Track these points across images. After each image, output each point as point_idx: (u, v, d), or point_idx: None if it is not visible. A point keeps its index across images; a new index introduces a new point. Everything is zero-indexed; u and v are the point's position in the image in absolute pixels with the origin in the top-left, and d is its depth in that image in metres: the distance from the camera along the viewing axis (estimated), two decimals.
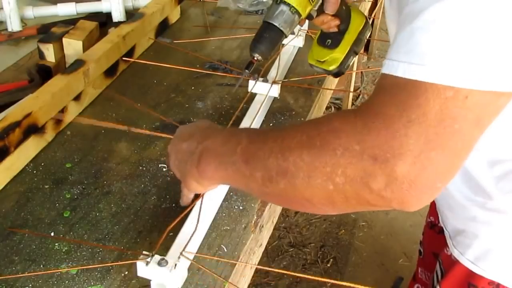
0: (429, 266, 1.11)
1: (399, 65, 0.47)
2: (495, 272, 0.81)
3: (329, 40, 0.87)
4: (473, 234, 0.82)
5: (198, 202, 0.74)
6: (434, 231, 1.06)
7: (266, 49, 0.76)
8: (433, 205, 1.05)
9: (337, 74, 0.89)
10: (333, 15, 0.81)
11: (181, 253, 0.66)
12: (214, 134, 0.66)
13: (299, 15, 0.75)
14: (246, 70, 0.78)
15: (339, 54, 0.86)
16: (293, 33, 1.19)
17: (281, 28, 0.75)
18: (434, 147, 0.46)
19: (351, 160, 0.48)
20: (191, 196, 0.74)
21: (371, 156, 0.47)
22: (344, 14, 0.83)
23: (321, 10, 0.80)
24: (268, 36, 0.76)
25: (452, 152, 0.47)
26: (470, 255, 0.83)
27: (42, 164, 0.88)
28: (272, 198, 0.61)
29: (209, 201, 0.76)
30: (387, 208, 0.50)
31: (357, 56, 0.93)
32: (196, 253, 0.73)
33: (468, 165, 0.75)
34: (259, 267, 0.81)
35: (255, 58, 0.77)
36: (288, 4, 0.74)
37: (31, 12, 1.28)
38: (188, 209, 0.74)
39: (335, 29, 0.85)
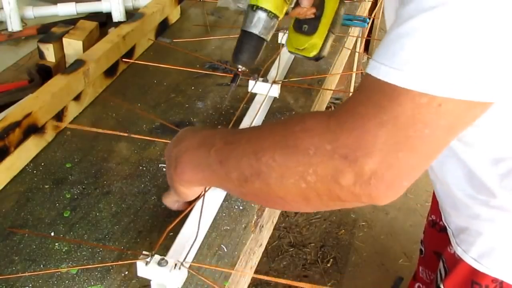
0: (431, 265, 1.11)
1: (380, 67, 0.48)
2: (499, 269, 0.81)
3: (306, 26, 0.85)
4: (477, 232, 0.82)
5: (198, 203, 0.74)
6: (435, 230, 1.06)
7: (250, 59, 0.76)
8: (434, 203, 1.05)
9: (317, 59, 0.88)
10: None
11: (181, 263, 0.65)
12: (188, 136, 0.67)
13: (277, 17, 0.74)
14: (233, 84, 0.79)
15: (317, 39, 0.85)
16: None
17: (262, 36, 0.75)
18: (403, 148, 0.47)
19: (322, 159, 0.50)
20: (176, 203, 0.74)
21: (341, 155, 0.49)
22: (318, 0, 0.82)
23: (296, 4, 0.80)
24: (250, 46, 0.75)
25: (420, 154, 0.49)
26: (473, 253, 0.83)
27: (42, 164, 0.88)
28: (250, 197, 0.62)
29: (209, 201, 0.76)
30: (358, 204, 0.52)
31: (356, 56, 0.94)
32: (196, 253, 0.73)
33: (471, 163, 0.75)
34: (256, 276, 0.80)
35: (240, 70, 0.78)
36: (266, 10, 0.73)
37: (31, 12, 1.28)
38: (189, 209, 0.74)
39: (312, 16, 0.84)
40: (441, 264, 0.95)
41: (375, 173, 0.48)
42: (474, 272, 0.84)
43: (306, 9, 0.81)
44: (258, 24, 0.74)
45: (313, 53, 0.85)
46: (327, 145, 0.50)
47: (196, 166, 0.64)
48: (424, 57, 0.45)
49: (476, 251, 0.83)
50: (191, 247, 0.68)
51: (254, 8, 0.73)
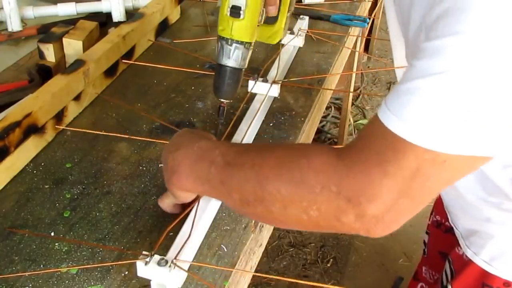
0: (435, 265, 1.11)
1: (391, 116, 0.50)
2: (511, 272, 0.81)
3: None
4: (488, 234, 0.82)
5: (197, 204, 0.74)
6: (440, 230, 1.05)
7: (232, 91, 0.77)
8: (438, 204, 1.05)
9: (280, 41, 0.88)
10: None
11: (172, 261, 0.65)
12: (185, 144, 0.67)
13: (252, 43, 0.74)
14: (221, 117, 0.80)
15: (279, 26, 0.85)
16: (292, 33, 1.19)
17: (241, 67, 0.75)
18: (404, 196, 0.51)
19: (327, 199, 0.53)
20: (173, 206, 0.74)
21: (346, 197, 0.52)
22: None
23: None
24: (231, 81, 0.76)
25: (419, 201, 0.53)
26: (484, 255, 0.83)
27: (42, 164, 0.88)
28: (249, 216, 0.65)
29: (209, 202, 0.76)
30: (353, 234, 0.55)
31: (356, 56, 0.94)
32: (196, 253, 0.73)
33: (483, 167, 0.75)
34: (257, 274, 0.80)
35: (224, 103, 0.78)
36: (242, 42, 0.73)
37: (31, 12, 1.28)
38: (189, 209, 0.74)
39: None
40: (447, 264, 0.95)
41: (376, 216, 0.52)
42: (485, 274, 0.84)
43: (274, 11, 0.81)
44: (237, 58, 0.74)
45: (277, 39, 0.85)
46: (333, 186, 0.52)
47: (196, 179, 0.65)
48: (431, 116, 0.48)
49: (487, 253, 0.83)
50: (182, 246, 0.68)
51: (229, 42, 0.73)
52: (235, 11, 0.71)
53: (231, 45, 0.73)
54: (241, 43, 0.73)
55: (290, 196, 0.55)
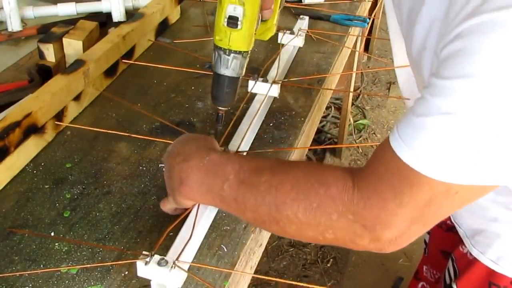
0: (437, 264, 1.11)
1: (404, 148, 0.52)
2: None
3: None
4: (495, 234, 0.82)
5: (196, 205, 0.74)
6: (442, 229, 1.06)
7: (231, 99, 0.77)
8: None
9: (271, 36, 0.87)
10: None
11: (174, 262, 0.65)
12: (193, 155, 0.67)
13: (249, 51, 0.73)
14: (219, 124, 0.79)
15: (271, 22, 0.84)
16: (292, 33, 1.19)
17: (239, 75, 0.75)
18: (417, 222, 0.55)
19: (343, 225, 0.56)
20: (175, 210, 0.75)
21: (362, 224, 0.55)
22: None
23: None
24: (230, 90, 0.75)
25: (431, 224, 0.56)
26: (491, 254, 0.83)
27: (42, 164, 0.88)
28: (263, 229, 0.67)
29: None
30: None
31: (356, 56, 0.94)
32: (196, 253, 0.73)
33: None
34: (256, 276, 0.80)
35: (222, 110, 0.78)
36: (240, 52, 0.72)
37: (31, 12, 1.28)
38: (189, 209, 0.74)
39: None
40: (450, 263, 0.95)
41: (390, 240, 0.56)
42: (491, 273, 0.84)
43: (270, 14, 0.81)
44: (235, 67, 0.73)
45: (269, 36, 0.85)
46: (350, 215, 0.55)
47: (206, 193, 0.65)
48: (445, 151, 0.50)
49: (494, 253, 0.83)
50: (184, 247, 0.68)
51: (227, 52, 0.72)
52: (233, 22, 0.69)
53: (229, 55, 0.72)
54: (239, 52, 0.72)
55: (307, 220, 0.57)
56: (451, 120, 0.49)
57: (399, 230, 0.55)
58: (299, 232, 0.59)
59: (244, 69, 0.75)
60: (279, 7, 0.85)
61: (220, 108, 0.78)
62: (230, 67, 0.73)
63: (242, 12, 0.68)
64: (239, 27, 0.69)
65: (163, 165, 0.87)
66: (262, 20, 0.81)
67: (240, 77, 0.75)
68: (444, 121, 0.50)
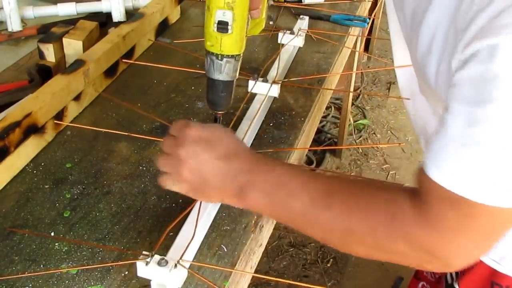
0: None
1: (457, 181, 0.54)
2: None
3: None
4: None
5: (197, 204, 0.74)
6: None
7: (227, 102, 0.77)
8: None
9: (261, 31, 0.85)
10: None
11: (177, 262, 0.65)
12: (260, 167, 0.66)
13: (241, 54, 0.73)
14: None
15: (261, 17, 0.83)
16: (292, 33, 1.19)
17: (233, 79, 0.74)
18: (479, 247, 0.59)
19: (411, 254, 0.60)
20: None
21: (429, 254, 0.58)
22: None
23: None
24: (225, 93, 0.75)
25: (491, 247, 0.59)
26: (494, 255, 0.83)
27: (42, 164, 0.88)
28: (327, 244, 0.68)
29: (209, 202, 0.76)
30: None
31: (356, 56, 0.93)
32: (196, 253, 0.73)
33: None
34: (256, 275, 0.80)
35: (219, 113, 0.78)
36: (232, 56, 0.71)
37: (31, 12, 1.28)
38: (188, 209, 0.74)
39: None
40: None
41: (456, 265, 0.60)
42: (494, 273, 0.84)
43: (258, 14, 0.80)
44: (228, 71, 0.73)
45: (259, 30, 0.84)
46: (417, 247, 0.58)
47: (268, 204, 0.65)
48: (495, 178, 0.52)
49: (497, 253, 0.83)
50: (187, 246, 0.68)
51: (220, 57, 0.71)
52: (223, 27, 0.68)
53: (221, 59, 0.71)
54: (232, 56, 0.71)
55: (375, 245, 0.61)
56: (491, 148, 0.51)
57: (465, 256, 0.59)
58: (366, 252, 0.63)
59: (238, 72, 0.75)
60: (267, 2, 0.85)
61: (217, 111, 0.78)
62: (223, 72, 0.72)
63: (231, 17, 0.68)
64: (229, 31, 0.69)
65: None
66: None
67: (234, 80, 0.75)
68: (485, 150, 0.51)
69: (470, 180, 0.53)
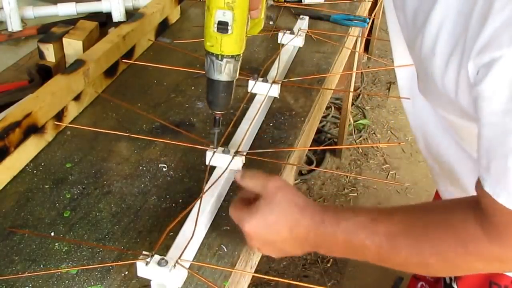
0: None
1: None
2: None
3: None
4: None
5: (197, 204, 0.74)
6: None
7: (227, 103, 0.76)
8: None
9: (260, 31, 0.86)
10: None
11: (176, 261, 0.65)
12: (323, 238, 0.66)
13: (241, 54, 0.73)
14: (216, 128, 0.79)
15: (259, 17, 0.82)
16: (292, 33, 1.19)
17: (233, 79, 0.74)
18: None
19: (492, 268, 0.62)
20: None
21: (508, 264, 0.61)
22: None
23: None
24: (226, 93, 0.75)
25: None
26: None
27: (42, 164, 0.88)
28: None
29: (209, 202, 0.76)
30: None
31: (356, 56, 0.93)
32: (196, 253, 0.73)
33: None
34: (256, 275, 0.80)
35: (219, 114, 0.78)
36: (233, 56, 0.71)
37: (31, 12, 1.28)
38: (188, 209, 0.74)
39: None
40: None
41: None
42: (492, 273, 0.84)
43: (258, 14, 0.80)
44: (228, 71, 0.72)
45: (258, 30, 0.84)
46: (492, 265, 0.61)
47: (345, 255, 0.68)
48: None
49: None
50: (186, 245, 0.68)
51: (220, 57, 0.71)
52: (223, 27, 0.68)
53: (221, 60, 0.71)
54: (232, 56, 0.71)
55: (453, 270, 0.65)
56: None
57: None
58: (452, 274, 0.70)
59: (238, 72, 0.75)
60: (266, 2, 0.85)
61: (216, 112, 0.78)
62: (223, 72, 0.72)
63: (231, 17, 0.68)
64: (229, 32, 0.68)
65: (163, 165, 0.88)
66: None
67: (234, 80, 0.75)
68: None
69: None
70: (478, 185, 0.58)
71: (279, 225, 0.67)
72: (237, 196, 0.74)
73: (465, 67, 0.56)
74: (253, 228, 0.67)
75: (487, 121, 0.54)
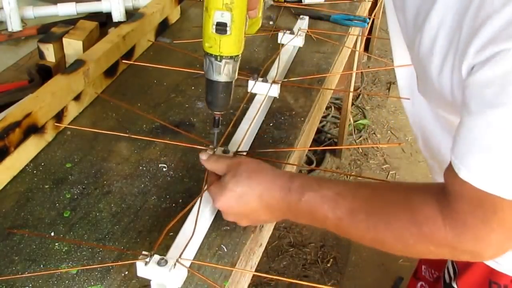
0: (434, 263, 1.11)
1: (479, 178, 0.55)
2: None
3: None
4: None
5: (197, 203, 0.74)
6: None
7: (227, 103, 0.77)
8: None
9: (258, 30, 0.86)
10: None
11: (177, 260, 0.65)
12: (290, 205, 0.69)
13: (240, 54, 0.73)
14: (216, 128, 0.79)
15: (257, 17, 0.82)
16: (292, 33, 1.19)
17: (232, 80, 0.74)
18: (508, 240, 0.59)
19: (443, 253, 0.64)
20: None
21: (461, 252, 0.62)
22: None
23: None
24: (225, 94, 0.75)
25: None
26: None
27: (42, 164, 0.88)
28: None
29: (209, 202, 0.76)
30: None
31: (356, 56, 0.93)
32: (196, 253, 0.73)
33: None
34: (257, 273, 0.81)
35: (218, 114, 0.78)
36: (232, 57, 0.71)
37: (31, 12, 1.28)
38: (188, 208, 0.74)
39: None
40: (449, 262, 0.95)
41: (490, 255, 0.62)
42: (492, 272, 0.84)
43: (256, 14, 0.80)
44: (228, 72, 0.73)
45: (256, 29, 0.83)
46: (447, 248, 0.61)
47: (308, 223, 0.71)
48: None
49: None
50: (186, 244, 0.68)
51: (219, 58, 0.71)
52: (221, 28, 0.68)
53: (220, 61, 0.71)
54: (231, 57, 0.71)
55: (408, 251, 0.65)
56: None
57: (496, 248, 0.60)
58: (404, 253, 0.66)
59: (237, 72, 0.75)
60: (263, 1, 0.84)
61: (216, 112, 0.78)
62: (223, 73, 0.72)
63: (230, 18, 0.67)
64: (228, 32, 0.68)
65: (163, 165, 0.88)
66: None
67: (233, 81, 0.75)
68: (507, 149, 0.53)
69: (496, 177, 0.55)
70: (448, 171, 0.59)
71: (248, 196, 0.70)
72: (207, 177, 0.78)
73: (458, 65, 0.57)
74: (224, 203, 0.71)
75: (474, 111, 0.55)
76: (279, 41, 1.18)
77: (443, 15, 0.60)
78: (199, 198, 0.75)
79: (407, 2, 0.69)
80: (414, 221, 0.61)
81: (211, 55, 0.71)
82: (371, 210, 0.65)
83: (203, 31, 0.70)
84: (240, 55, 0.73)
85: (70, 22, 1.20)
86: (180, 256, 0.66)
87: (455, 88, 0.61)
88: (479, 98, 0.54)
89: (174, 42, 1.23)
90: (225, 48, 0.70)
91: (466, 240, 0.59)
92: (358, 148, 2.63)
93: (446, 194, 0.60)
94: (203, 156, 0.77)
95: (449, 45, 0.59)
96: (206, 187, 0.77)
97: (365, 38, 2.64)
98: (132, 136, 0.92)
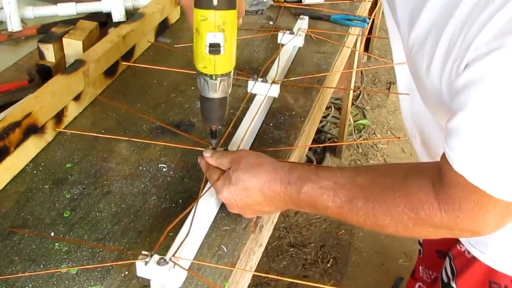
0: (432, 264, 1.11)
1: (474, 173, 0.57)
2: None
3: None
4: (494, 233, 0.82)
5: (195, 205, 0.74)
6: None
7: (223, 116, 0.77)
8: None
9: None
10: None
11: (170, 258, 0.65)
12: (292, 198, 0.71)
13: (232, 69, 0.73)
14: (214, 140, 0.79)
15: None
16: (292, 33, 1.19)
17: (227, 94, 0.74)
18: (506, 217, 0.61)
19: (442, 234, 0.65)
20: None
21: (459, 232, 0.64)
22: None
23: None
24: (221, 108, 0.75)
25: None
26: (491, 254, 0.84)
27: (42, 164, 0.88)
28: None
29: (209, 202, 0.76)
30: None
31: (356, 56, 0.93)
32: (196, 253, 0.73)
33: None
34: (256, 273, 0.81)
35: (215, 127, 0.78)
36: (226, 74, 0.71)
37: (31, 12, 1.28)
38: (188, 209, 0.74)
39: None
40: (447, 262, 0.95)
41: (488, 232, 0.63)
42: (491, 272, 0.84)
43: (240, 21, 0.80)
44: (223, 88, 0.72)
45: (239, 23, 0.83)
46: (444, 229, 0.63)
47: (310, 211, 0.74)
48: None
49: (494, 252, 0.83)
50: (181, 243, 0.68)
51: (213, 77, 0.70)
52: (215, 49, 0.67)
53: (215, 79, 0.71)
54: (226, 74, 0.71)
55: (408, 234, 0.66)
56: (500, 145, 0.54)
57: (493, 226, 0.61)
58: (405, 235, 0.67)
59: (231, 86, 0.75)
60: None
61: (213, 126, 0.78)
62: (218, 90, 0.72)
63: (223, 38, 0.67)
64: (222, 52, 0.68)
65: (163, 165, 0.88)
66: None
67: (228, 96, 0.75)
68: (496, 146, 0.54)
69: (489, 174, 0.56)
70: (444, 159, 0.60)
71: (250, 190, 0.72)
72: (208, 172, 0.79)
73: (450, 63, 0.58)
74: (228, 196, 0.73)
75: (467, 106, 0.56)
76: (279, 41, 1.18)
77: (434, 17, 0.61)
78: (197, 200, 0.75)
79: (397, 4, 0.70)
80: (411, 206, 0.63)
81: (206, 74, 0.71)
82: (369, 197, 0.67)
83: (195, 51, 0.69)
84: (233, 69, 0.73)
85: (70, 22, 1.20)
86: (173, 255, 0.66)
87: (443, 83, 0.62)
88: (470, 94, 0.55)
89: (175, 46, 1.23)
90: (220, 67, 0.70)
91: (462, 222, 0.61)
92: (358, 148, 2.63)
93: (442, 178, 0.61)
94: (206, 153, 0.78)
95: (438, 44, 0.60)
96: (205, 187, 0.77)
97: (365, 38, 2.64)
98: (132, 139, 0.92)
